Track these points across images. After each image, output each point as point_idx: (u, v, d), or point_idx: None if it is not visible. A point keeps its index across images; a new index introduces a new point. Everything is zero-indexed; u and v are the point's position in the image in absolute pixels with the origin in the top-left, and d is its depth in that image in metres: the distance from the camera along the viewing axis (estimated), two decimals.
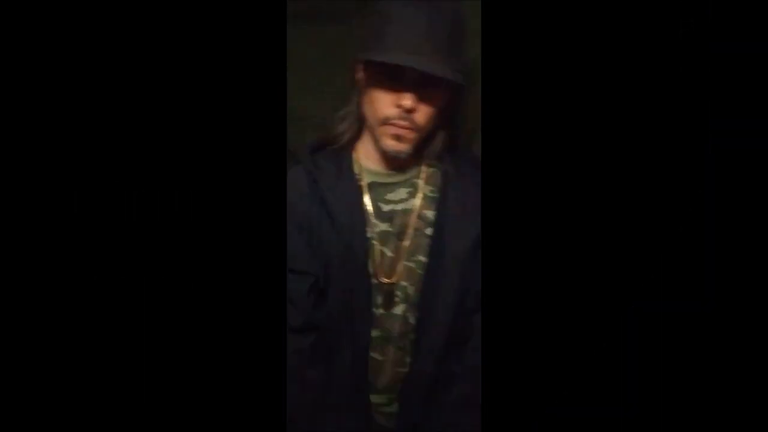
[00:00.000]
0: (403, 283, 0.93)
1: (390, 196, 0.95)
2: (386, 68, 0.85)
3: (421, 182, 0.96)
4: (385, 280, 0.92)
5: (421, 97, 0.87)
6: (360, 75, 0.92)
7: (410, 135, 0.89)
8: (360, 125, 0.96)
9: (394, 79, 0.86)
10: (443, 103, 0.91)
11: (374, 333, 0.93)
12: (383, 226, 0.93)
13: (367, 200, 0.94)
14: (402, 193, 0.95)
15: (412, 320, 0.93)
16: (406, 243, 0.93)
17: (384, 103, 0.88)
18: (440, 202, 0.94)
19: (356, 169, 0.96)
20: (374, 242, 0.93)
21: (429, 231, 0.94)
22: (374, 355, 0.93)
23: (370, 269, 0.92)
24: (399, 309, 0.93)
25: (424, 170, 0.96)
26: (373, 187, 0.95)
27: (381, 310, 0.93)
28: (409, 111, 0.87)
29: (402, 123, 0.88)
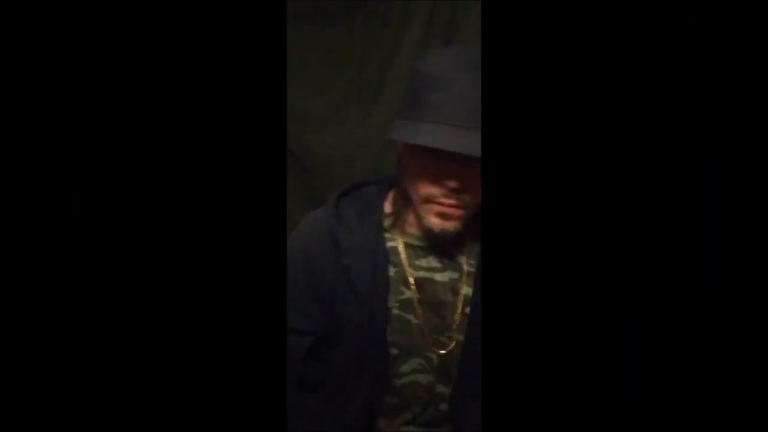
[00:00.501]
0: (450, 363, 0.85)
1: (418, 262, 0.86)
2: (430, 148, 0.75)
3: (456, 252, 0.87)
4: (436, 351, 0.85)
5: (470, 175, 0.77)
6: (400, 148, 0.83)
7: (458, 212, 0.80)
8: (403, 199, 0.85)
9: (435, 157, 0.76)
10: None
11: (394, 400, 0.87)
12: (408, 294, 0.85)
13: (393, 264, 0.85)
14: (432, 261, 0.87)
15: (442, 391, 0.87)
16: (441, 320, 0.85)
17: (426, 182, 0.79)
18: (479, 276, 0.85)
19: (387, 225, 0.87)
20: (397, 312, 0.85)
21: (466, 310, 0.86)
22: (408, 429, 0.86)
23: (391, 341, 0.85)
24: (430, 377, 0.86)
25: (467, 243, 0.87)
26: (404, 250, 0.86)
27: (433, 381, 0.86)
28: (456, 191, 0.78)
29: (448, 201, 0.79)
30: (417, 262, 0.86)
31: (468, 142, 0.72)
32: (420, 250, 0.86)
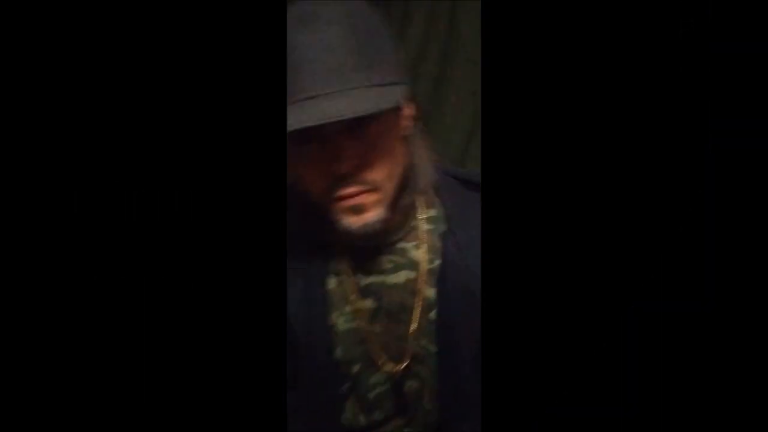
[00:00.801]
0: (416, 367, 0.74)
1: (368, 266, 0.74)
2: (305, 130, 0.62)
3: (410, 247, 0.74)
4: (391, 368, 0.73)
5: (362, 147, 0.65)
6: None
7: (371, 198, 0.67)
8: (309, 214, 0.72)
9: (316, 140, 0.65)
10: (395, 137, 0.69)
11: (378, 417, 0.74)
12: (365, 304, 0.74)
13: (334, 279, 0.73)
14: (383, 262, 0.74)
15: (428, 406, 0.75)
16: (401, 326, 0.74)
17: (320, 176, 0.67)
18: (441, 276, 0.73)
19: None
20: (347, 326, 0.74)
21: (429, 311, 0.74)
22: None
23: (344, 352, 0.74)
24: (412, 390, 0.75)
25: (421, 228, 0.75)
26: (346, 259, 0.74)
27: (384, 399, 0.75)
28: (354, 174, 0.66)
29: (350, 191, 0.66)
30: (366, 266, 0.74)
31: (344, 103, 0.61)
32: (366, 252, 0.74)
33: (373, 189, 0.67)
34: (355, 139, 0.65)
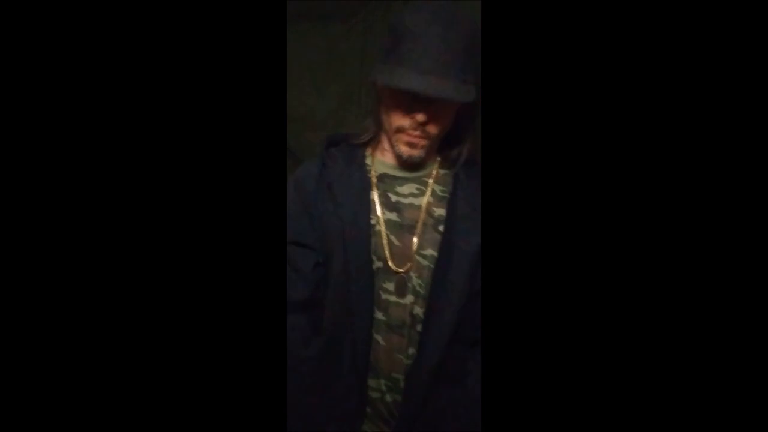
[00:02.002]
0: (413, 275, 0.96)
1: (399, 189, 0.99)
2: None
3: (431, 181, 1.00)
4: (396, 269, 0.96)
5: (434, 112, 0.92)
6: (379, 88, 0.96)
7: (422, 142, 0.95)
8: (378, 129, 1.01)
9: (407, 95, 0.90)
10: (457, 113, 0.96)
11: (379, 316, 0.95)
12: (391, 216, 0.98)
13: (375, 190, 0.99)
14: (411, 188, 1.00)
15: (418, 312, 0.95)
16: (415, 237, 0.97)
17: (399, 115, 0.94)
18: (450, 201, 0.99)
19: (369, 162, 1.02)
20: (380, 229, 0.96)
21: (439, 227, 0.97)
22: (377, 337, 0.95)
23: (375, 255, 0.96)
24: (407, 299, 0.95)
25: (435, 171, 1.01)
26: (382, 179, 1.00)
27: (392, 297, 0.95)
28: (423, 124, 0.93)
29: (415, 133, 0.94)
30: (397, 189, 1.00)
31: (433, 86, 0.87)
32: (397, 180, 1.00)
33: (427, 137, 0.95)
34: (431, 105, 0.92)
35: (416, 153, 0.96)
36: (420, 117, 0.91)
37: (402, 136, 0.95)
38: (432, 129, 0.94)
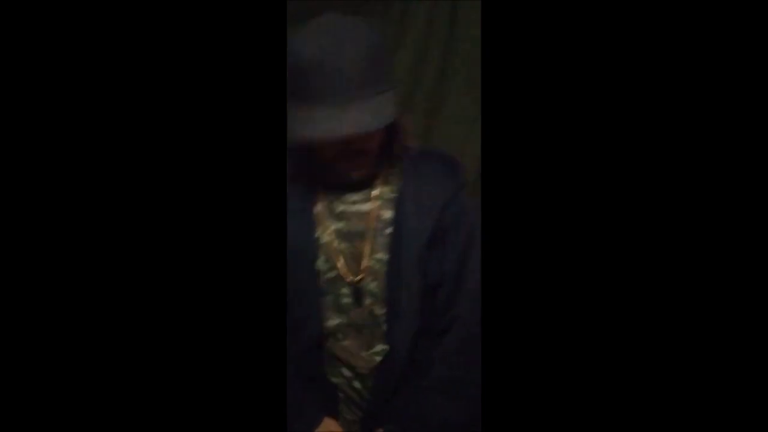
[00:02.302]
0: (368, 280, 0.96)
1: (345, 197, 0.97)
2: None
3: (377, 182, 0.97)
4: (351, 278, 0.95)
5: (359, 143, 0.87)
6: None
7: (363, 160, 0.91)
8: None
9: (323, 147, 0.87)
10: (383, 138, 0.91)
11: (341, 321, 0.96)
12: (339, 225, 0.96)
13: (320, 202, 0.96)
14: (355, 196, 0.97)
15: (379, 312, 0.96)
16: (366, 243, 0.95)
17: (328, 149, 0.88)
18: (398, 201, 0.97)
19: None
20: (328, 240, 0.96)
21: (388, 230, 0.96)
22: (345, 343, 0.97)
23: (327, 265, 0.95)
24: (366, 302, 0.96)
25: (387, 174, 0.98)
26: (329, 189, 0.97)
27: (350, 304, 0.96)
28: (359, 154, 0.89)
29: (353, 159, 0.90)
30: (343, 197, 0.97)
31: (349, 122, 0.82)
32: (341, 189, 0.97)
33: (367, 153, 0.90)
34: (352, 144, 0.87)
35: (363, 173, 0.93)
36: (349, 150, 0.87)
37: (341, 165, 0.90)
38: (368, 148, 0.89)
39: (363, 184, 0.97)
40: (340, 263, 0.95)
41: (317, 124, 0.82)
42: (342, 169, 0.92)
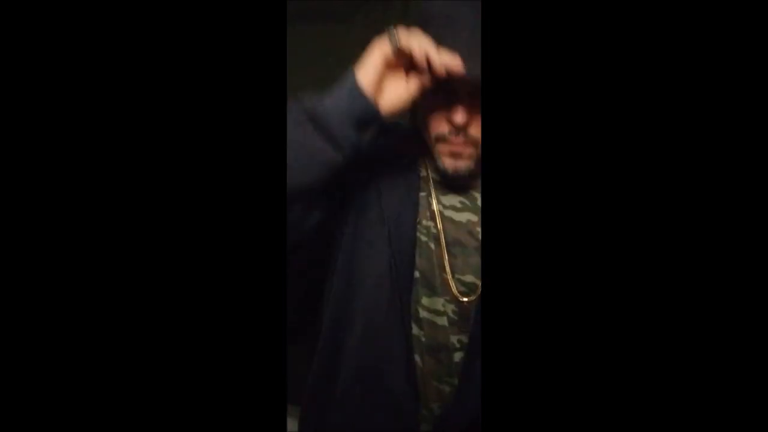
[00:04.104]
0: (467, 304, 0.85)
1: (443, 199, 0.88)
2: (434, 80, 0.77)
3: (479, 196, 0.87)
4: (460, 297, 0.85)
5: (474, 109, 0.80)
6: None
7: (468, 151, 0.82)
8: (420, 140, 0.87)
9: (443, 91, 0.80)
10: None
11: (416, 333, 0.86)
12: (430, 225, 0.87)
13: (421, 193, 0.88)
14: (453, 200, 0.88)
15: (454, 340, 0.86)
16: (452, 257, 0.86)
17: (436, 120, 0.82)
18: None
19: (419, 163, 0.90)
20: (422, 237, 0.87)
21: (477, 248, 0.86)
22: (416, 357, 0.86)
23: (419, 268, 0.86)
24: (443, 320, 0.86)
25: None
26: (430, 182, 0.88)
27: (428, 315, 0.86)
28: (464, 126, 0.80)
29: (458, 140, 0.81)
30: (440, 197, 0.88)
31: (475, 67, 0.73)
32: (442, 187, 0.88)
33: (472, 143, 0.82)
34: (472, 102, 0.79)
35: (463, 165, 0.82)
36: (459, 118, 0.78)
37: (443, 146, 0.82)
38: (475, 132, 0.80)
39: (462, 187, 0.87)
40: (447, 274, 0.83)
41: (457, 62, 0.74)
42: (447, 154, 0.82)
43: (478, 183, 0.87)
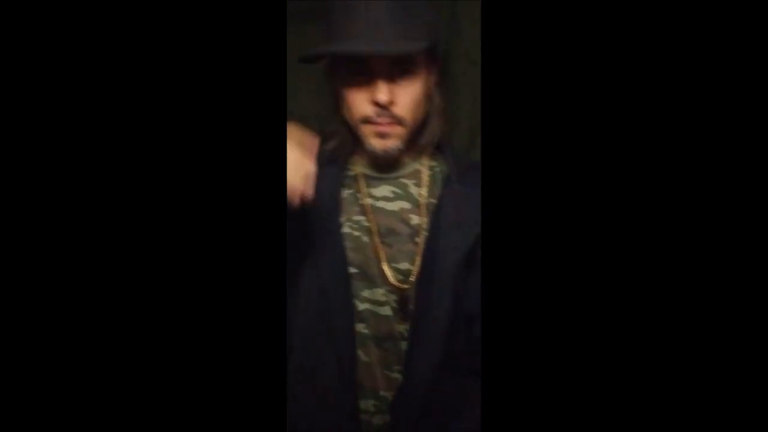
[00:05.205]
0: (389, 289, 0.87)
1: (373, 191, 0.90)
2: (353, 63, 0.81)
3: (411, 183, 0.90)
4: (399, 285, 0.86)
5: (396, 87, 0.83)
6: (330, 75, 0.88)
7: (395, 130, 0.84)
8: (347, 129, 0.89)
9: (362, 73, 0.82)
10: (422, 89, 0.85)
11: (359, 328, 0.88)
12: (360, 219, 0.89)
13: (347, 189, 0.90)
14: (385, 190, 0.91)
15: (401, 329, 0.88)
16: (386, 247, 0.88)
17: (359, 102, 0.84)
18: (435, 210, 0.88)
19: (347, 162, 0.92)
20: (355, 232, 0.88)
21: (415, 239, 0.88)
22: (359, 353, 0.88)
23: (350, 256, 0.88)
24: (387, 310, 0.88)
25: (423, 173, 0.91)
26: (357, 179, 0.90)
27: (371, 306, 0.88)
28: (387, 105, 0.82)
29: (382, 120, 0.83)
30: (370, 191, 0.89)
31: (384, 44, 0.77)
32: (373, 180, 0.90)
33: (398, 122, 0.84)
34: (392, 78, 0.81)
35: (390, 144, 0.84)
36: (382, 96, 0.81)
37: (369, 127, 0.84)
38: (400, 110, 0.83)
39: (392, 174, 0.89)
40: (384, 264, 0.85)
41: (359, 42, 0.79)
42: (374, 134, 0.84)
43: (411, 171, 0.89)
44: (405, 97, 0.83)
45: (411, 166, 0.91)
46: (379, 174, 0.91)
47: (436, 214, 0.88)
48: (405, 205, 0.90)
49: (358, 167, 0.92)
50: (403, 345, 0.88)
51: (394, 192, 0.90)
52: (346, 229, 0.89)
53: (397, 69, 0.82)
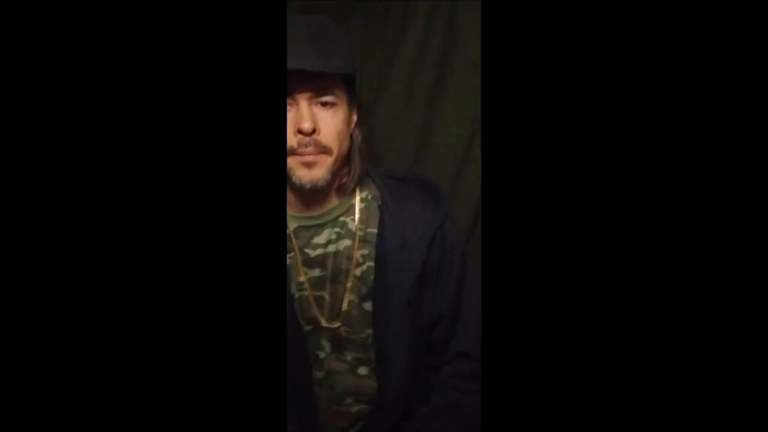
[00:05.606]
0: (346, 328, 0.91)
1: (316, 240, 0.91)
2: None
3: (348, 220, 0.92)
4: (328, 326, 0.90)
5: (319, 116, 0.84)
6: None
7: (320, 159, 0.84)
8: None
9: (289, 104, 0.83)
10: (345, 121, 0.87)
11: (319, 375, 0.92)
12: (313, 273, 0.90)
13: (291, 248, 0.90)
14: (328, 235, 0.91)
15: (363, 371, 0.92)
16: (340, 287, 0.90)
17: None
18: (378, 239, 0.90)
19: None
20: (305, 291, 0.90)
21: (360, 272, 0.90)
22: (320, 393, 0.92)
23: (304, 319, 0.90)
24: (349, 356, 0.92)
25: (357, 207, 0.92)
26: (297, 234, 0.91)
27: (329, 354, 0.92)
28: (311, 133, 0.83)
29: (307, 149, 0.83)
30: (314, 241, 0.90)
31: (313, 62, 0.78)
32: (311, 229, 0.90)
33: (324, 151, 0.84)
34: (317, 108, 0.83)
35: (318, 174, 0.84)
36: (306, 124, 0.81)
37: (294, 159, 0.83)
38: (325, 139, 0.84)
39: (328, 217, 0.90)
40: (316, 312, 0.89)
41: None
42: (300, 165, 0.83)
43: (345, 208, 0.90)
44: (328, 126, 0.84)
45: (344, 203, 0.92)
46: (315, 221, 0.91)
47: (380, 242, 0.90)
48: (347, 242, 0.91)
49: (293, 222, 0.91)
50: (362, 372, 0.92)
51: (337, 233, 0.91)
52: (296, 294, 0.91)
53: (319, 100, 0.83)
